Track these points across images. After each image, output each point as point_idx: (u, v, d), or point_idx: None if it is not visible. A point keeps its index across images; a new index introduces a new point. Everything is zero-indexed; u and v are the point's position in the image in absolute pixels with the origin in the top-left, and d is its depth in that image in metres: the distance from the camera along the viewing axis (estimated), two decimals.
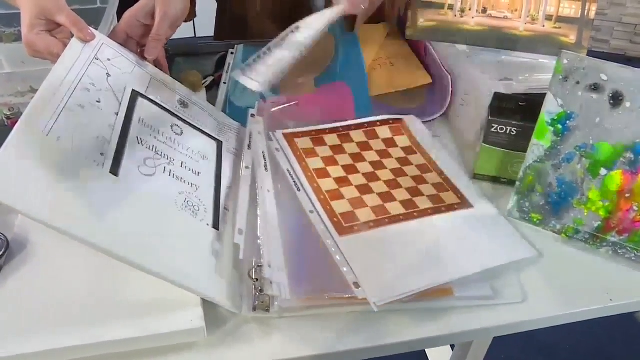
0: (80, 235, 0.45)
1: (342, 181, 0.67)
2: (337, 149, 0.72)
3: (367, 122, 0.76)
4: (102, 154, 0.52)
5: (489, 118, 0.67)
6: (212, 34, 1.02)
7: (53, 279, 0.54)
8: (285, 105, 0.76)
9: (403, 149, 0.74)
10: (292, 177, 0.65)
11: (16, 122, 0.72)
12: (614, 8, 2.75)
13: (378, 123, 0.76)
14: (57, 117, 0.51)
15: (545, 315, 0.56)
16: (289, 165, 0.67)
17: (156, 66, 0.69)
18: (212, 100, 0.79)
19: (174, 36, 0.79)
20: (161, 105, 0.64)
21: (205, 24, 1.05)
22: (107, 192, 0.50)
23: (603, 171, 0.59)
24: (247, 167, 0.64)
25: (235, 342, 0.51)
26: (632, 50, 2.86)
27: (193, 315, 0.50)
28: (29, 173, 0.46)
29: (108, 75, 0.60)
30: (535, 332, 0.56)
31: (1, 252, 0.55)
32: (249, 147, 0.67)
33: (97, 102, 0.56)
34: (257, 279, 0.54)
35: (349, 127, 0.75)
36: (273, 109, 0.76)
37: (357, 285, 0.53)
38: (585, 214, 0.61)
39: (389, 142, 0.74)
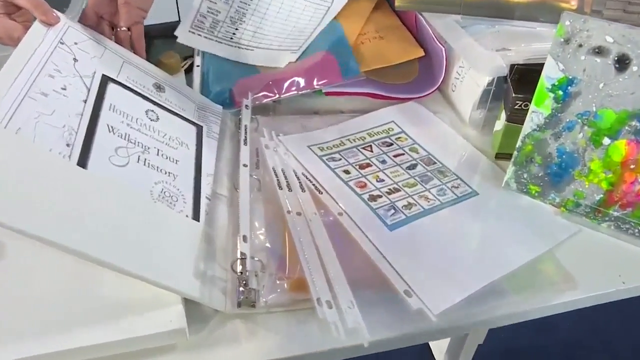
0: (45, 236, 0.41)
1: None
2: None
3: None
4: (68, 144, 0.48)
5: (513, 95, 0.62)
6: None
7: (21, 281, 0.50)
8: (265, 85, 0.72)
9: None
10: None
11: None
12: None
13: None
14: (17, 106, 0.47)
15: (561, 300, 0.53)
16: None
17: (134, 50, 0.65)
18: (191, 83, 0.75)
19: (157, 21, 0.76)
20: (134, 90, 0.60)
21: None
22: (74, 186, 0.46)
23: (606, 140, 0.56)
24: (245, 165, 0.60)
25: (219, 342, 0.48)
26: (627, 19, 2.77)
27: (173, 314, 0.47)
28: None
29: (75, 60, 0.56)
30: None
31: None
32: (245, 142, 0.63)
33: (63, 89, 0.52)
34: (241, 272, 0.50)
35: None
36: (255, 92, 0.72)
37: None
38: (587, 186, 0.58)
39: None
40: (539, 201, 0.61)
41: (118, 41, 0.64)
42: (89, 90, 0.54)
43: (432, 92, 0.75)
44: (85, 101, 0.53)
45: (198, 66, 0.78)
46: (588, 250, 0.57)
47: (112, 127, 0.53)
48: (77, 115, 0.51)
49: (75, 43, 0.57)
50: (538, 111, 0.59)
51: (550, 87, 0.57)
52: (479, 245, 0.56)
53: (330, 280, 0.50)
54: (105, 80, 0.57)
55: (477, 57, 0.67)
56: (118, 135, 0.53)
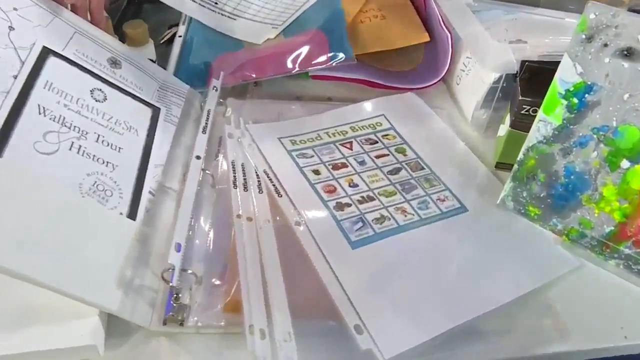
0: None
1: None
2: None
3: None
4: None
5: (520, 97, 0.53)
6: None
7: None
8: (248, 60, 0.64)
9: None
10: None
11: None
12: None
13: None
14: None
15: (548, 350, 0.44)
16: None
17: (91, 20, 0.59)
18: (168, 56, 0.68)
19: None
20: (81, 66, 0.53)
21: None
22: None
23: (625, 163, 0.46)
24: (197, 157, 0.53)
25: None
26: None
27: (87, 327, 0.41)
28: None
29: (10, 28, 0.49)
30: None
31: None
32: (204, 130, 0.56)
33: None
34: (172, 284, 0.44)
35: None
36: (235, 68, 0.64)
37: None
38: (596, 214, 0.48)
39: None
40: (537, 226, 0.52)
41: (74, 10, 0.57)
42: (22, 64, 0.48)
43: (434, 83, 0.66)
44: (15, 77, 0.47)
45: (180, 37, 0.71)
46: (588, 291, 0.48)
47: (44, 108, 0.47)
48: (1, 94, 0.45)
49: (15, 9, 0.51)
50: (547, 120, 0.49)
51: (563, 92, 0.48)
52: (457, 274, 0.48)
53: (270, 305, 0.43)
54: (46, 53, 0.50)
55: (484, 49, 0.57)
56: (50, 118, 0.47)
